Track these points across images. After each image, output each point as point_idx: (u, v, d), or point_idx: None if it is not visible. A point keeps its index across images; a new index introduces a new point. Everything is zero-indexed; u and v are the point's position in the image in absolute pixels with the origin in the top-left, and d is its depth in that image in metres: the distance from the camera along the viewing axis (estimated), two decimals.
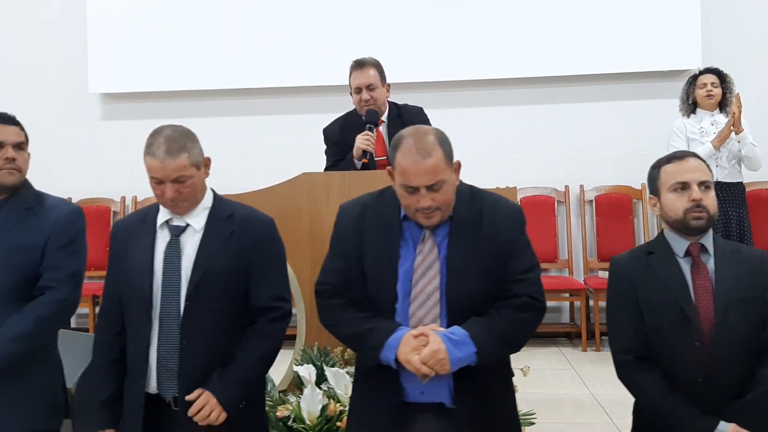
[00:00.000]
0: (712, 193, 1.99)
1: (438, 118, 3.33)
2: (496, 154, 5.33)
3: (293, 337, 2.91)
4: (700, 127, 4.30)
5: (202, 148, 2.13)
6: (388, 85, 3.44)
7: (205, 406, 2.00)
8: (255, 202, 2.30)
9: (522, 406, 2.42)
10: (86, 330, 5.15)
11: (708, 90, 4.32)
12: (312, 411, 2.42)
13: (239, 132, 5.57)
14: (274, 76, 5.59)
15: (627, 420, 3.39)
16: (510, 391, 2.06)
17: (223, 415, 2.01)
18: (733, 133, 4.21)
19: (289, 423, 2.49)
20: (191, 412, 2.00)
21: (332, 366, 2.68)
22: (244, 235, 2.13)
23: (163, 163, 2.02)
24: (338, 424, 2.46)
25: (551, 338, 5.28)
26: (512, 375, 2.07)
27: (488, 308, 1.94)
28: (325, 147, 3.55)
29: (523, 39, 5.40)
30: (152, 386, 2.07)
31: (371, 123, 3.29)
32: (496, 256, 1.96)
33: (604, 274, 5.13)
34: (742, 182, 4.40)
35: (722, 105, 4.41)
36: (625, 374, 2.02)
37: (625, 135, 5.40)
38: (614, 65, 5.39)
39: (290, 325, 2.22)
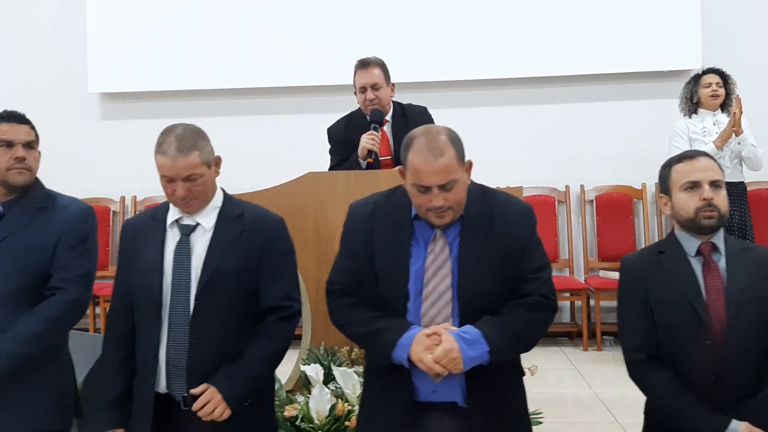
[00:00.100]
0: (724, 192, 2.00)
1: (438, 117, 3.33)
2: (496, 154, 5.33)
3: (298, 337, 2.91)
4: (703, 127, 4.30)
5: (212, 146, 2.12)
6: (393, 84, 3.44)
7: (210, 401, 1.99)
8: (260, 202, 2.29)
9: None
10: (86, 329, 5.14)
11: (713, 89, 4.33)
12: (321, 411, 2.42)
13: (239, 131, 5.56)
14: (273, 76, 5.57)
15: (631, 419, 3.46)
16: (521, 390, 2.06)
17: (228, 412, 2.00)
18: (733, 134, 4.22)
19: (297, 423, 2.49)
20: (195, 406, 1.99)
21: (339, 366, 2.68)
22: (254, 235, 2.13)
23: (174, 161, 2.01)
24: (346, 423, 2.46)
25: (552, 338, 5.28)
26: (523, 374, 2.07)
27: (500, 307, 1.94)
28: (329, 146, 3.55)
29: (523, 39, 5.40)
30: (162, 385, 2.06)
31: (376, 123, 3.29)
32: (507, 255, 1.96)
33: (605, 274, 5.14)
34: (743, 182, 4.41)
35: (723, 105, 4.42)
36: (636, 373, 2.03)
37: (626, 135, 5.41)
38: (614, 65, 5.40)
39: None
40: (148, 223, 2.19)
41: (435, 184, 1.88)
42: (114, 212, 5.74)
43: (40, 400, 2.22)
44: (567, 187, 5.47)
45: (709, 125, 4.31)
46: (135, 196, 5.75)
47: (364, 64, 3.36)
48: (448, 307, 1.93)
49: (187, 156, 2.02)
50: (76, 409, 2.33)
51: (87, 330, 5.05)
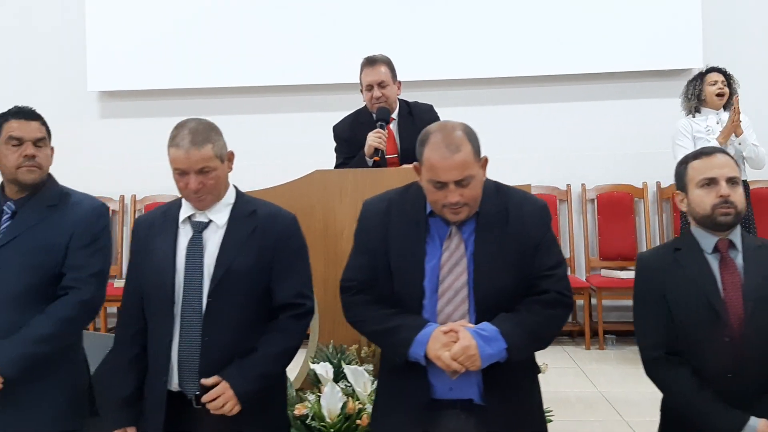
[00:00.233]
0: (740, 189, 1.99)
1: (441, 116, 3.33)
2: (497, 152, 5.24)
3: (306, 336, 2.89)
4: (707, 126, 4.30)
5: (225, 141, 2.11)
6: (399, 82, 3.43)
7: (221, 396, 1.97)
8: (267, 199, 2.29)
9: None
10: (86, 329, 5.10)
11: (719, 87, 4.32)
12: (332, 409, 2.41)
13: (240, 130, 5.47)
14: (274, 75, 5.56)
15: (638, 417, 3.46)
16: (537, 387, 2.05)
17: (237, 408, 1.98)
18: (733, 135, 4.22)
19: (308, 421, 2.47)
20: (206, 398, 1.97)
21: (348, 364, 2.66)
22: (266, 232, 2.11)
23: (188, 153, 2.01)
24: (357, 422, 2.44)
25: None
26: (539, 371, 2.06)
27: (515, 304, 1.93)
28: (335, 144, 3.53)
29: (524, 38, 5.40)
30: (174, 383, 2.04)
31: (383, 121, 3.27)
32: (523, 252, 1.95)
33: (607, 273, 5.14)
34: (746, 180, 4.41)
35: (725, 105, 4.42)
36: (653, 371, 2.02)
37: (627, 134, 5.42)
38: (615, 64, 5.41)
39: None
40: (160, 221, 2.17)
41: (451, 179, 1.87)
42: (113, 211, 5.70)
43: (53, 401, 2.20)
44: (568, 185, 5.47)
45: (712, 124, 4.31)
46: (134, 195, 5.72)
47: (370, 62, 3.34)
48: (464, 304, 1.92)
49: (200, 148, 2.01)
50: (92, 409, 2.31)
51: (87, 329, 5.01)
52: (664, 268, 2.02)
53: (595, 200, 5.45)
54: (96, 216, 2.30)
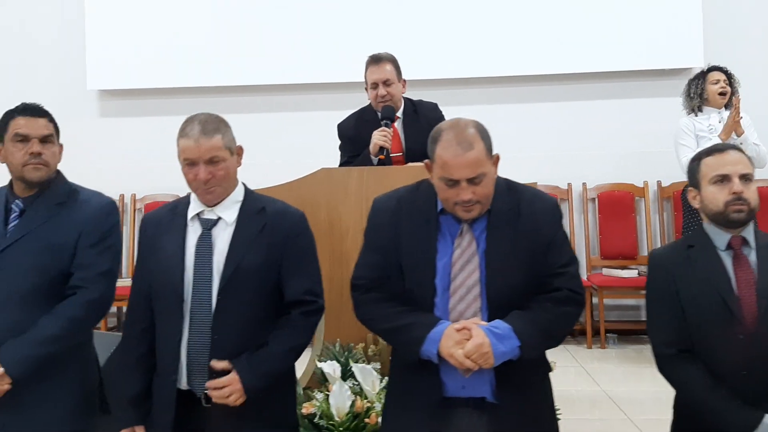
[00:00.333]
0: (754, 185, 1.99)
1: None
2: (498, 151, 5.31)
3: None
4: (709, 125, 4.30)
5: (234, 136, 2.11)
6: (404, 80, 3.42)
7: (228, 386, 1.96)
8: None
9: None
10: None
11: (722, 86, 4.32)
12: (341, 407, 2.40)
13: (241, 129, 5.45)
14: (275, 73, 5.55)
15: (643, 416, 3.47)
16: (548, 385, 2.04)
17: (241, 400, 1.97)
18: (734, 134, 4.22)
19: (316, 420, 2.46)
20: (212, 384, 1.96)
21: (356, 362, 2.65)
22: (275, 229, 2.10)
23: (198, 143, 2.00)
24: (366, 420, 2.43)
25: None
26: (550, 369, 2.05)
27: (527, 302, 1.92)
28: (339, 143, 3.52)
29: (526, 37, 5.40)
30: (183, 382, 2.03)
31: (388, 119, 3.26)
32: (534, 249, 1.94)
33: (608, 272, 5.15)
34: None
35: (726, 104, 4.42)
36: (666, 368, 2.01)
37: (628, 133, 5.43)
38: (616, 63, 5.41)
39: None
40: (168, 218, 2.15)
41: (464, 177, 1.86)
42: None
43: (61, 401, 2.17)
44: (569, 184, 5.47)
45: (715, 123, 4.30)
46: (134, 194, 5.70)
47: (375, 60, 3.33)
48: (476, 302, 1.91)
49: (210, 138, 2.01)
50: (103, 407, 2.29)
51: None
52: (677, 265, 2.01)
53: (596, 199, 5.45)
54: (105, 214, 2.28)
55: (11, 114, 2.25)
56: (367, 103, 3.50)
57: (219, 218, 2.10)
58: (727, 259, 1.99)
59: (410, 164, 3.21)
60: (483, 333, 1.83)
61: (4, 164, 2.26)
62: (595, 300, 5.11)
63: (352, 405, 2.43)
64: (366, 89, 3.41)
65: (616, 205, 5.42)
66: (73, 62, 5.72)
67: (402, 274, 1.97)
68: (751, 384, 1.90)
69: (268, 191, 2.96)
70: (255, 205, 2.14)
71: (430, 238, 1.97)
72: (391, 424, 2.03)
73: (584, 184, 5.47)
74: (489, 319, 1.90)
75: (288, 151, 5.40)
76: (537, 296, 1.93)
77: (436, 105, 3.49)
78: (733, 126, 4.19)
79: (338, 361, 2.65)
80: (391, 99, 3.32)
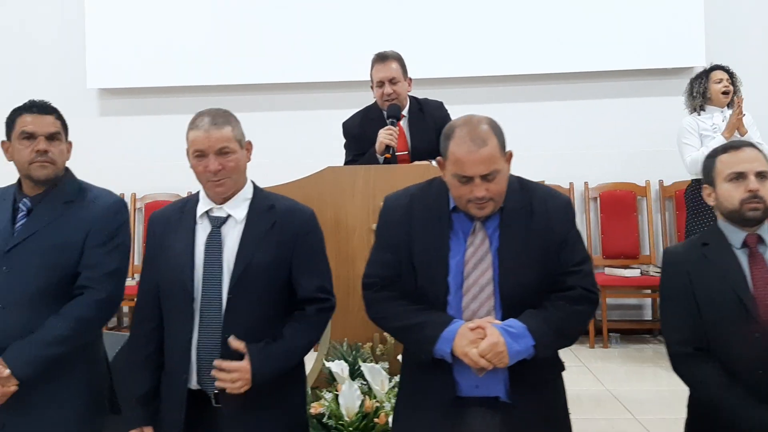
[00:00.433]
0: None
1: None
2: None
3: None
4: (713, 124, 4.28)
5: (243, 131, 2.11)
6: (410, 79, 3.41)
7: (238, 372, 1.93)
8: None
9: None
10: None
11: (725, 85, 4.31)
12: (350, 407, 2.38)
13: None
14: (277, 72, 5.53)
15: (650, 415, 3.46)
16: (561, 384, 2.03)
17: (246, 388, 1.95)
18: (737, 134, 4.21)
19: (324, 420, 2.44)
20: (221, 364, 1.93)
21: (363, 362, 2.64)
22: (286, 227, 2.09)
23: (208, 133, 1.99)
24: (375, 420, 2.42)
25: None
26: (563, 368, 2.04)
27: (541, 300, 1.91)
28: (344, 141, 3.50)
29: (528, 36, 5.39)
30: (193, 381, 2.01)
31: (393, 117, 3.25)
32: (547, 247, 1.93)
33: (610, 271, 5.13)
34: None
35: (729, 103, 4.41)
36: (682, 367, 1.99)
37: (629, 132, 5.43)
38: (618, 63, 5.41)
39: None
40: (176, 216, 2.13)
41: (477, 174, 1.85)
42: None
43: (70, 401, 2.15)
44: (571, 184, 5.46)
45: (718, 121, 4.29)
46: (134, 194, 5.67)
47: (381, 58, 3.31)
48: (490, 301, 1.90)
49: (220, 129, 2.01)
50: (113, 407, 2.27)
51: None
52: (692, 263, 2.00)
53: (598, 198, 5.45)
54: (113, 212, 2.25)
55: (18, 111, 2.23)
56: (370, 101, 3.48)
57: (228, 216, 2.08)
58: (742, 257, 1.97)
59: (416, 163, 3.20)
60: (497, 332, 1.82)
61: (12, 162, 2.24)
62: None
63: (362, 405, 2.41)
64: (371, 87, 3.40)
65: (618, 205, 5.41)
66: (73, 61, 5.70)
67: (414, 272, 1.96)
68: None
69: (273, 190, 2.96)
70: (264, 202, 2.12)
71: (442, 236, 1.95)
72: (402, 424, 2.02)
73: (586, 183, 5.47)
74: (502, 318, 1.88)
75: (289, 151, 5.38)
76: (550, 295, 1.91)
77: (441, 103, 3.48)
78: (736, 124, 4.18)
79: (346, 361, 2.63)
80: (397, 97, 3.30)
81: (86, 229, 2.19)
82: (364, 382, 2.53)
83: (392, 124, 3.22)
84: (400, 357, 2.67)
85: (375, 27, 5.33)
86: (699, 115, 4.38)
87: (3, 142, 2.27)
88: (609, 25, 5.36)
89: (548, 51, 5.38)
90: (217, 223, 2.07)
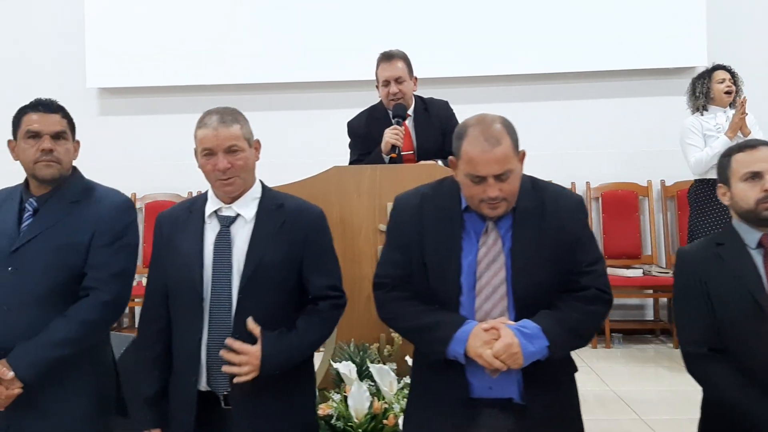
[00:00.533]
0: None
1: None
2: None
3: None
4: (716, 124, 4.27)
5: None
6: (416, 78, 3.38)
7: (248, 356, 1.91)
8: None
9: None
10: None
11: (727, 85, 4.30)
12: (360, 409, 2.36)
13: None
14: (277, 72, 5.50)
15: (655, 416, 3.45)
16: (575, 386, 2.02)
17: (253, 375, 1.93)
18: (741, 134, 4.20)
19: (333, 421, 2.42)
20: (233, 344, 1.91)
21: (371, 363, 2.62)
22: (296, 226, 2.07)
23: (217, 131, 1.98)
24: (384, 422, 2.40)
25: None
26: (576, 370, 2.03)
27: (554, 301, 1.89)
28: (349, 141, 3.48)
29: (529, 36, 5.38)
30: (202, 383, 2.00)
31: (399, 117, 3.23)
32: (560, 247, 1.91)
33: (612, 271, 5.11)
34: None
35: (731, 103, 4.41)
36: (696, 368, 1.97)
37: (631, 132, 5.43)
38: (620, 62, 5.39)
39: None
40: (184, 216, 2.11)
41: (491, 173, 1.83)
42: None
43: (75, 403, 2.12)
44: (573, 184, 5.45)
45: (722, 121, 4.28)
46: (135, 193, 5.63)
47: (387, 57, 3.29)
48: (503, 301, 1.88)
49: (229, 127, 2.00)
50: (120, 409, 2.24)
51: None
52: (707, 263, 1.98)
53: (600, 199, 5.44)
54: (120, 212, 2.23)
55: (24, 110, 2.21)
56: (375, 101, 3.46)
57: (237, 215, 2.06)
58: (757, 257, 1.96)
59: (422, 162, 3.18)
60: (512, 333, 1.80)
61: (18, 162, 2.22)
62: None
63: (371, 406, 2.39)
64: (376, 87, 3.38)
65: (620, 205, 5.40)
66: (73, 60, 5.66)
67: (426, 272, 1.94)
68: None
69: (278, 189, 2.94)
70: (273, 201, 2.11)
71: (454, 236, 1.94)
72: (414, 426, 2.00)
73: (588, 183, 5.46)
74: (516, 319, 1.87)
75: (290, 151, 5.36)
76: (564, 295, 1.90)
77: (446, 103, 3.46)
78: (739, 124, 4.17)
79: (353, 362, 2.61)
80: (402, 97, 3.28)
81: (92, 229, 2.16)
82: (372, 383, 2.51)
83: (398, 123, 3.20)
84: (407, 358, 2.67)
85: (379, 26, 5.31)
86: (702, 115, 4.37)
87: (9, 141, 2.24)
88: (611, 24, 5.35)
89: (549, 50, 5.36)
90: (226, 223, 2.05)
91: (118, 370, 2.30)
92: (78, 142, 2.28)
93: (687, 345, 2.00)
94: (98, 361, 2.22)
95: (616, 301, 5.32)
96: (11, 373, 2.03)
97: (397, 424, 2.37)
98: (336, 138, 3.70)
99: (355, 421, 2.35)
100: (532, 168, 5.43)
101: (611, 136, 5.45)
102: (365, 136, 3.34)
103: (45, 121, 2.18)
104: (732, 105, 4.37)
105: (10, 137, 2.24)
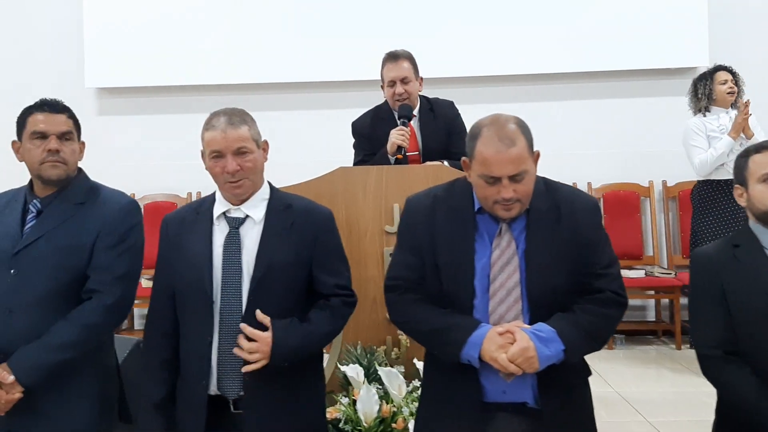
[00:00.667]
0: None
1: None
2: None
3: None
4: (719, 125, 4.25)
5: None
6: (421, 78, 3.36)
7: (260, 343, 1.90)
8: None
9: None
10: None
11: (729, 86, 4.29)
12: (368, 412, 2.34)
13: None
14: (278, 71, 5.47)
15: (661, 417, 3.43)
16: (589, 390, 1.98)
17: (262, 363, 1.90)
18: (744, 136, 4.19)
19: (341, 425, 2.40)
20: (245, 328, 1.90)
21: (379, 366, 2.59)
22: (304, 227, 2.05)
23: (225, 133, 1.96)
24: (393, 425, 2.37)
25: None
26: (590, 374, 2.00)
27: (569, 304, 1.87)
28: (353, 141, 3.45)
29: (531, 36, 5.36)
30: (212, 387, 1.97)
31: (405, 117, 3.20)
32: (575, 250, 1.89)
33: None
34: None
35: (733, 104, 4.39)
36: (712, 370, 1.95)
37: (632, 132, 5.42)
38: (622, 62, 5.38)
39: None
40: (191, 217, 2.09)
41: (506, 174, 1.80)
42: None
43: (77, 408, 2.09)
44: (574, 184, 5.41)
45: (725, 122, 4.26)
46: (133, 194, 5.58)
47: (393, 57, 3.26)
48: (517, 304, 1.86)
49: (237, 128, 1.98)
50: (123, 416, 2.21)
51: None
52: (723, 264, 1.96)
53: (601, 199, 5.42)
54: (124, 214, 2.20)
55: (30, 110, 2.18)
56: (380, 101, 3.43)
57: (246, 216, 2.04)
58: None
59: (428, 163, 3.15)
60: (527, 336, 1.78)
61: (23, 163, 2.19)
62: None
63: (379, 410, 2.37)
64: (382, 87, 3.35)
65: (622, 205, 5.39)
66: (72, 59, 5.63)
67: (438, 274, 1.91)
68: None
69: (284, 190, 2.91)
70: (281, 202, 2.09)
71: (467, 238, 1.91)
72: (427, 430, 1.97)
73: (589, 183, 5.44)
74: (530, 322, 1.84)
75: (291, 151, 5.30)
76: (579, 298, 1.87)
77: (452, 102, 3.44)
78: (742, 124, 4.16)
79: (361, 365, 2.58)
80: (408, 97, 3.25)
81: (97, 231, 2.13)
82: (380, 387, 2.49)
83: (404, 124, 3.17)
84: (415, 360, 2.64)
85: (384, 25, 5.28)
86: (704, 116, 4.35)
87: (13, 142, 2.21)
88: (613, 25, 5.33)
89: (551, 51, 5.35)
90: (235, 224, 2.03)
91: (121, 374, 2.26)
92: (83, 143, 2.26)
93: (702, 347, 1.97)
94: (101, 364, 2.19)
95: None
96: (11, 377, 2.00)
97: (406, 428, 2.35)
98: (341, 138, 3.67)
99: (364, 425, 2.33)
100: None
101: (613, 137, 5.43)
102: (370, 137, 3.32)
103: (51, 122, 2.15)
104: (734, 106, 4.36)
105: (10, 137, 2.20)
